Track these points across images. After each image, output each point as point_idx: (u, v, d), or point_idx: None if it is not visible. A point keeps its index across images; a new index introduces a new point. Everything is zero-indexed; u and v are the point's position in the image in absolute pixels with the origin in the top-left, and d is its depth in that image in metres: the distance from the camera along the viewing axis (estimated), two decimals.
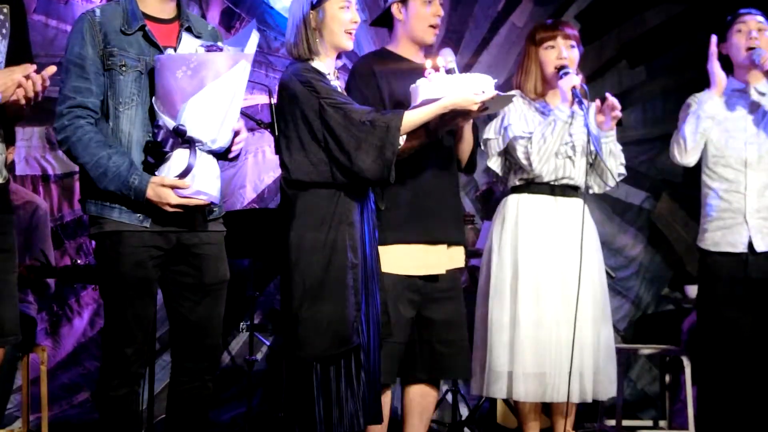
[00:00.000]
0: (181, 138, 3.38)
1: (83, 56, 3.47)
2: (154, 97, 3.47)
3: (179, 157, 3.41)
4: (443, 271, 4.25)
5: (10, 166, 5.34)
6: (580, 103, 4.30)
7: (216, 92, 3.38)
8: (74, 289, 6.36)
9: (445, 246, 4.26)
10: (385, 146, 3.68)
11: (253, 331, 6.11)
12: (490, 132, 4.54)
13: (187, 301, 3.58)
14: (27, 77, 3.25)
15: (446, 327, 4.28)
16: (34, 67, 3.31)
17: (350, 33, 3.85)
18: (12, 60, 3.45)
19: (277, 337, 6.55)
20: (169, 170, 3.42)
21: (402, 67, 4.21)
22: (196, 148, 3.41)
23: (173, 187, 3.40)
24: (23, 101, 3.27)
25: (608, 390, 4.53)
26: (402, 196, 4.14)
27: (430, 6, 4.25)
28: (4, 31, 3.45)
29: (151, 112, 3.49)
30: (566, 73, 4.37)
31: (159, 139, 3.40)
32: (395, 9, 4.29)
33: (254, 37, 3.51)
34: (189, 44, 3.51)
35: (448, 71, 3.96)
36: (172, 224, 3.50)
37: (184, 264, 3.56)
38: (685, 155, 4.61)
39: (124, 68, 3.47)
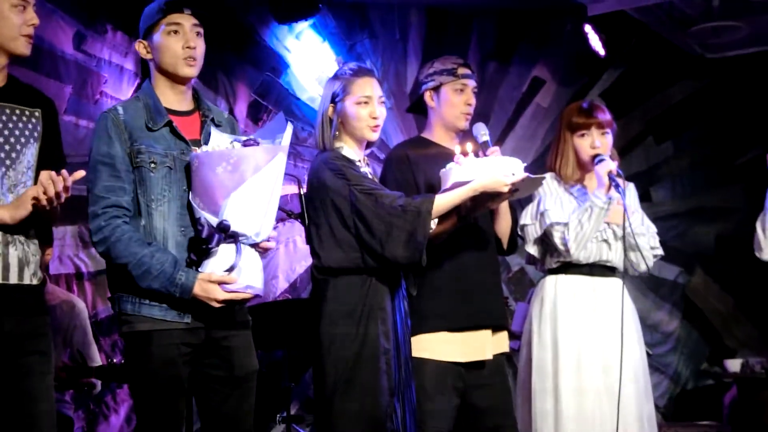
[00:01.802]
0: (225, 233, 3.37)
1: (112, 155, 3.45)
2: (191, 194, 3.46)
3: (225, 253, 3.39)
4: (489, 357, 4.19)
5: (45, 267, 5.39)
6: (617, 186, 4.28)
7: (257, 186, 3.38)
8: (110, 386, 6.34)
9: (489, 331, 4.21)
10: (416, 231, 3.66)
11: (290, 422, 6.06)
12: (527, 218, 4.53)
13: (218, 394, 3.54)
14: (47, 177, 3.25)
15: (493, 413, 4.19)
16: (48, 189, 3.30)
17: (372, 127, 3.87)
18: (44, 162, 3.48)
19: (314, 429, 6.50)
20: (215, 266, 3.39)
21: (436, 153, 4.21)
22: (240, 242, 3.40)
23: (220, 283, 3.38)
24: (44, 202, 3.26)
25: None
26: (442, 281, 4.10)
27: (462, 94, 4.26)
28: (36, 134, 3.49)
29: (185, 206, 3.49)
30: (601, 160, 4.37)
31: (204, 236, 3.38)
32: (427, 96, 4.31)
33: (289, 129, 3.52)
34: (219, 138, 3.51)
35: (483, 144, 3.97)
36: (210, 319, 3.48)
37: (215, 357, 3.53)
38: (761, 252, 4.63)
39: (153, 165, 3.46)
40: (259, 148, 3.44)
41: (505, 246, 4.39)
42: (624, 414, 4.27)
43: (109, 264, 3.51)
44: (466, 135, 4.29)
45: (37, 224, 3.46)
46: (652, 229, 4.58)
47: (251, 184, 3.38)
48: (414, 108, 4.48)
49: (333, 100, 3.89)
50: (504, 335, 4.31)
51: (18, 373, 3.36)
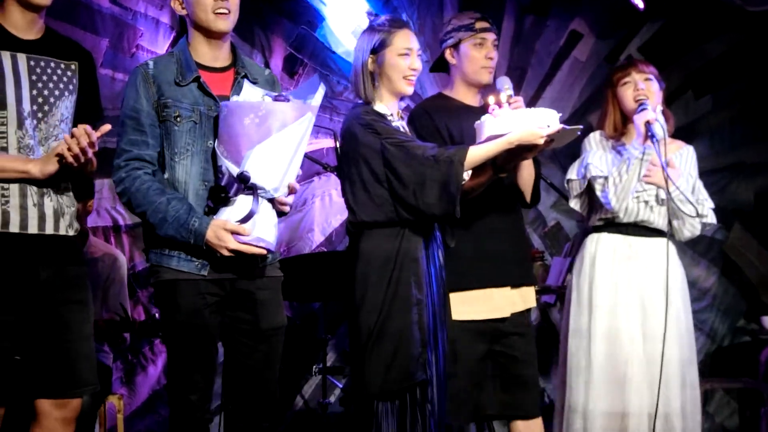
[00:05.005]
0: (245, 184, 3.38)
1: (137, 109, 3.49)
2: (217, 142, 3.48)
3: (242, 203, 3.42)
4: (507, 314, 4.20)
5: (84, 219, 5.43)
6: (653, 137, 4.24)
7: (281, 142, 3.39)
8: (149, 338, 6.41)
9: (507, 288, 4.21)
10: (449, 181, 3.66)
11: (325, 374, 6.11)
12: (572, 173, 4.54)
13: (244, 346, 3.58)
14: (72, 135, 3.28)
15: (515, 363, 4.22)
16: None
17: (408, 79, 3.86)
18: (81, 114, 3.53)
19: (350, 380, 6.54)
20: (230, 215, 3.42)
21: (457, 106, 4.23)
22: (259, 195, 3.41)
23: (233, 232, 3.40)
24: (71, 159, 3.29)
25: None
26: (465, 241, 4.10)
27: (482, 48, 4.25)
28: (71, 87, 3.53)
29: (209, 161, 3.52)
30: (643, 108, 4.33)
31: (223, 184, 3.42)
32: (448, 54, 4.32)
33: (321, 90, 3.53)
34: (251, 92, 3.51)
35: (508, 98, 3.92)
36: (230, 272, 3.51)
37: (241, 310, 3.56)
38: None
39: (178, 119, 3.49)
40: (289, 104, 3.45)
41: (528, 198, 4.36)
42: (666, 377, 4.26)
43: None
44: (488, 90, 4.25)
45: (72, 177, 3.50)
46: (703, 195, 4.53)
47: (276, 139, 3.39)
48: (436, 67, 4.45)
49: (373, 52, 3.87)
50: (529, 291, 4.31)
51: (57, 321, 3.42)
